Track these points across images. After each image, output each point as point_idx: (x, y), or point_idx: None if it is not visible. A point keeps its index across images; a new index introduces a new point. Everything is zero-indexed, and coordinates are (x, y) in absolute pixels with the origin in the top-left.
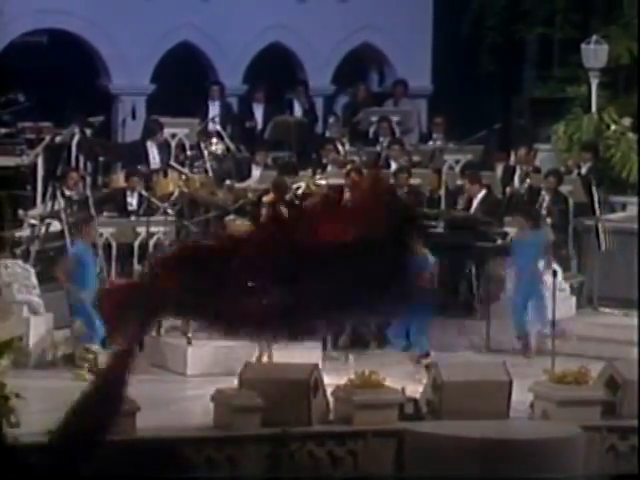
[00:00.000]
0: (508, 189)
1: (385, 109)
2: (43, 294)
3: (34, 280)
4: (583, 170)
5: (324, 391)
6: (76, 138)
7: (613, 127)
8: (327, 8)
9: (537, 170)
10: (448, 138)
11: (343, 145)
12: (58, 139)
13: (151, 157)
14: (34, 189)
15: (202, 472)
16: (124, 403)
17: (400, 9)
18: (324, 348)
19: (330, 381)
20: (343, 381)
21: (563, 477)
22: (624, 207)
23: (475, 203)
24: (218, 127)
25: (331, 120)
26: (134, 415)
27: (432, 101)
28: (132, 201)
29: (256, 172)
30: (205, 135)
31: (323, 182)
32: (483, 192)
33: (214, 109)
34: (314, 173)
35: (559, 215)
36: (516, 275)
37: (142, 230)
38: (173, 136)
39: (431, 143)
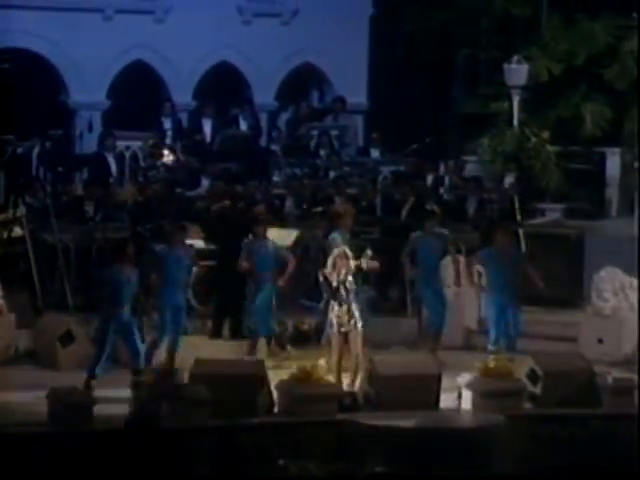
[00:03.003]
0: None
1: (325, 124)
2: (6, 295)
3: None
4: (507, 179)
5: (268, 385)
6: (36, 150)
7: (533, 140)
8: (271, 30)
9: (464, 180)
10: (383, 151)
11: (286, 157)
12: (20, 150)
13: (108, 167)
14: None
15: (156, 461)
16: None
17: (338, 31)
18: (268, 344)
19: (274, 376)
20: (286, 375)
21: (489, 463)
22: (543, 213)
23: (404, 211)
24: (169, 140)
25: (275, 134)
26: (91, 407)
27: (368, 116)
28: (89, 209)
29: (205, 182)
30: (157, 147)
31: None
32: (412, 200)
33: (166, 124)
34: (259, 183)
35: (485, 221)
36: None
37: (99, 236)
38: (127, 148)
39: (367, 155)
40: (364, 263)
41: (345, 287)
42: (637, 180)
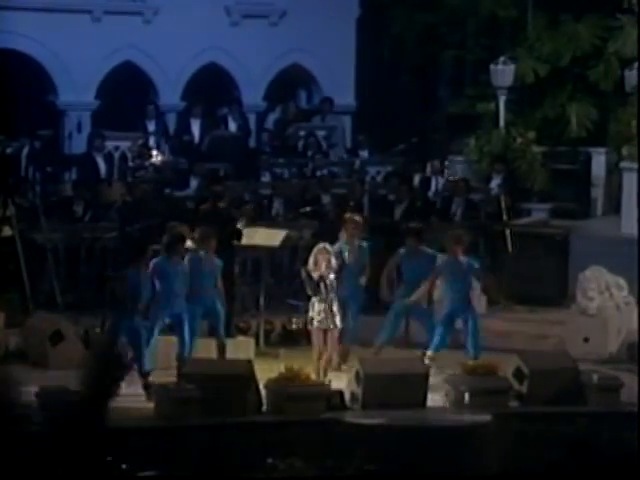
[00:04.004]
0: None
1: (312, 124)
2: None
3: None
4: (495, 180)
5: (257, 384)
6: (26, 150)
7: (519, 140)
8: (259, 31)
9: (450, 181)
10: (371, 151)
11: (274, 157)
12: (9, 150)
13: (97, 168)
14: None
15: (143, 460)
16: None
17: (326, 33)
18: (257, 344)
19: (262, 375)
20: (274, 375)
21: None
22: (529, 213)
23: (398, 211)
24: (153, 143)
25: (264, 135)
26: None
27: (356, 117)
28: (78, 209)
29: (194, 182)
30: (146, 148)
31: None
32: (406, 202)
33: (150, 126)
34: (248, 183)
35: (472, 220)
36: (403, 284)
37: (88, 236)
38: (116, 148)
39: (355, 155)
40: (334, 264)
41: (325, 283)
42: (622, 180)
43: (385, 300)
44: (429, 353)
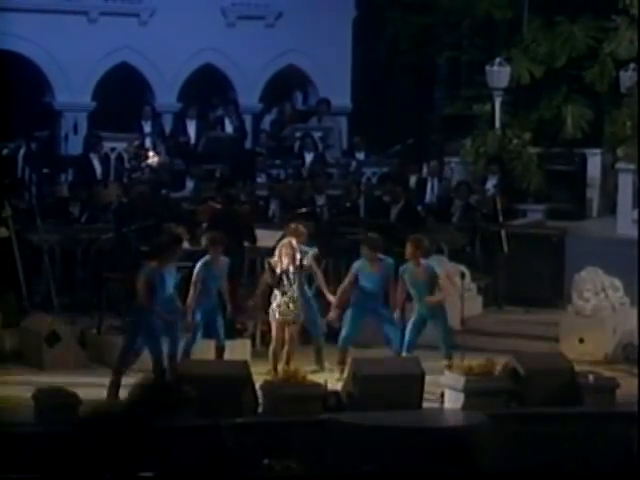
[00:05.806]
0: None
1: (309, 126)
2: None
3: None
4: (491, 181)
5: (253, 385)
6: (22, 151)
7: (515, 141)
8: (255, 32)
9: (447, 181)
10: (367, 152)
11: (270, 159)
12: (5, 152)
13: (93, 169)
14: None
15: (140, 460)
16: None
17: (322, 34)
18: (253, 345)
19: (258, 376)
20: (270, 376)
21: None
22: (525, 214)
23: (394, 212)
24: (149, 143)
25: (261, 137)
26: (76, 408)
27: (352, 118)
28: (74, 210)
29: (190, 183)
30: (142, 149)
31: None
32: (402, 202)
33: (146, 127)
34: (244, 184)
35: (468, 221)
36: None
37: (84, 237)
38: (112, 150)
39: (351, 157)
40: (306, 260)
41: (288, 277)
42: (617, 181)
43: (332, 323)
44: (404, 354)
